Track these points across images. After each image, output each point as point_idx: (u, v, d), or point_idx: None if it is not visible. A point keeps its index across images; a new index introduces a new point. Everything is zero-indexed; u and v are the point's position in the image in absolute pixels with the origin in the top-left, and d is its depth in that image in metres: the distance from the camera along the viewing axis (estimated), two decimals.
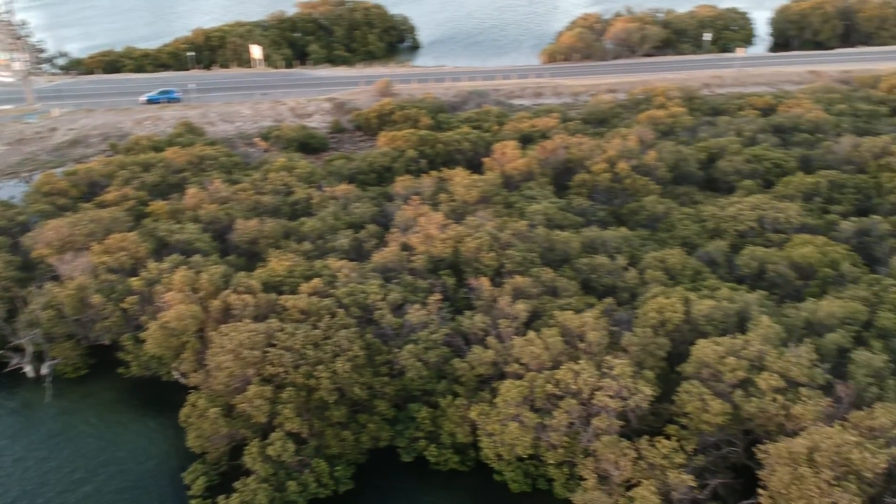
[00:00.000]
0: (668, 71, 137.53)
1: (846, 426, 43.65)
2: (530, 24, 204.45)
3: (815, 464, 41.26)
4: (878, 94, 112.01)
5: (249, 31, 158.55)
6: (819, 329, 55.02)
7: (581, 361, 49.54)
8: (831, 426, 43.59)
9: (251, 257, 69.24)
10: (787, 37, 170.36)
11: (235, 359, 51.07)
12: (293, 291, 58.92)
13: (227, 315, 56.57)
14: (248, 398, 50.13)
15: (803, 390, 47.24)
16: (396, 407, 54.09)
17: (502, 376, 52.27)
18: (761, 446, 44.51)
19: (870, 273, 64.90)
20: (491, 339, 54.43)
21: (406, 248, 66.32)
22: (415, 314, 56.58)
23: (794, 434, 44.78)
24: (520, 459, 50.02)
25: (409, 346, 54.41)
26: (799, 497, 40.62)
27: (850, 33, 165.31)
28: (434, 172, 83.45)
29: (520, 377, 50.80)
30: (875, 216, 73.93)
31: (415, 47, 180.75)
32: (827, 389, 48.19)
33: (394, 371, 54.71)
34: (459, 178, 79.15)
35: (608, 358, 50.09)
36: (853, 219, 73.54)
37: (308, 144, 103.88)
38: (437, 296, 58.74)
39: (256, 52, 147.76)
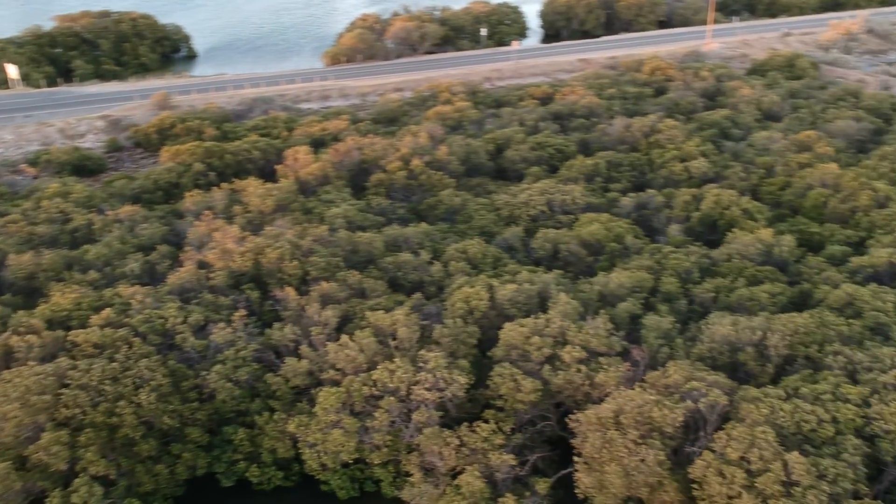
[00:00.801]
0: (451, 67, 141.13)
1: (645, 387, 46.73)
2: (310, 26, 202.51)
3: (621, 426, 43.84)
4: (642, 77, 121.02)
5: (2, 49, 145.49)
6: (612, 300, 58.60)
7: (396, 359, 49.66)
8: (632, 389, 46.50)
9: (30, 294, 63.47)
10: (557, 28, 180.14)
11: (23, 406, 46.55)
12: (83, 325, 54.61)
13: (8, 360, 51.49)
14: (43, 447, 45.91)
15: (603, 359, 50.12)
16: (211, 432, 51.66)
17: (319, 384, 51.35)
18: (572, 416, 46.73)
19: (651, 243, 70.01)
20: (304, 349, 53.31)
21: (203, 265, 63.48)
22: (219, 333, 54.28)
23: (600, 401, 47.37)
24: (345, 466, 49.41)
25: (218, 368, 52.14)
26: (610, 459, 43.02)
27: (613, 21, 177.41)
28: (225, 185, 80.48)
29: (337, 383, 50.15)
30: (650, 190, 79.85)
31: (191, 57, 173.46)
32: (624, 355, 51.40)
33: (203, 395, 52.21)
34: (253, 188, 76.93)
35: (422, 352, 50.59)
36: (631, 194, 79.03)
37: (83, 167, 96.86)
38: (242, 312, 56.68)
39: (12, 71, 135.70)
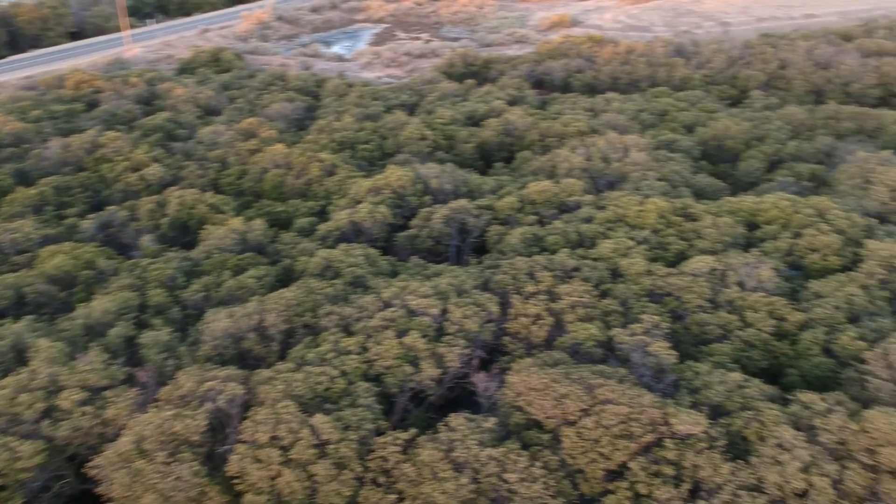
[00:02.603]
0: None
1: (160, 405, 44.30)
2: None
3: (146, 453, 41.01)
4: (67, 93, 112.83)
5: None
6: (101, 329, 54.22)
7: None
8: (147, 412, 43.71)
9: None
10: None
11: None
12: None
13: None
14: None
15: (108, 392, 46.28)
16: None
17: None
18: (90, 464, 42.32)
19: (126, 261, 66.26)
20: None
21: None
22: None
23: (117, 436, 43.65)
24: None
25: None
26: (145, 490, 40.07)
27: (17, 39, 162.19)
28: None
29: None
30: (110, 207, 75.33)
31: None
32: (130, 381, 48.07)
33: None
34: None
35: None
36: (91, 216, 73.64)
37: None
38: None
39: None
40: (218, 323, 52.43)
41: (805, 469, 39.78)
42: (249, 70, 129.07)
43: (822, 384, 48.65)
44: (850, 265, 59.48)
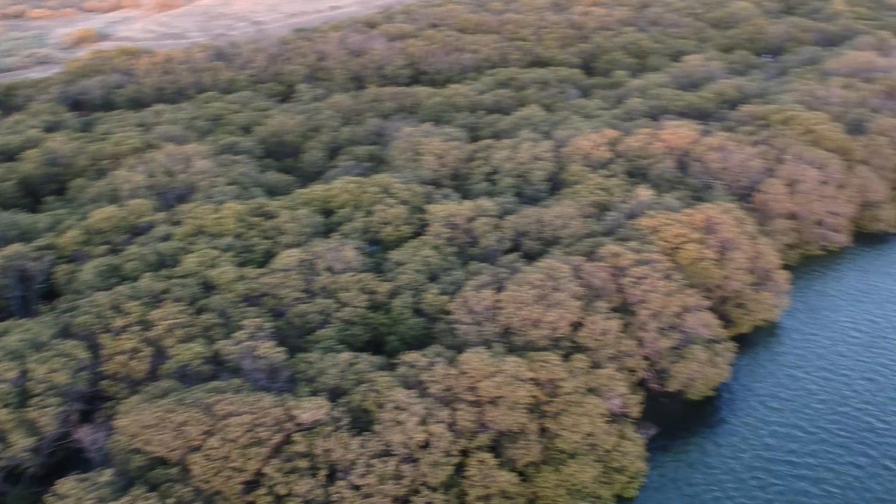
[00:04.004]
0: None
1: None
2: None
3: None
4: None
5: None
6: None
7: None
8: None
9: None
10: None
11: None
12: None
13: None
14: None
15: None
16: None
17: None
18: None
19: None
20: None
21: None
22: None
23: None
24: None
25: None
26: None
27: None
28: None
29: None
30: None
31: None
32: None
33: None
34: None
35: None
36: None
37: None
38: None
39: None
40: None
41: (422, 421, 42.87)
42: None
43: (419, 342, 52.69)
44: (420, 230, 65.16)
